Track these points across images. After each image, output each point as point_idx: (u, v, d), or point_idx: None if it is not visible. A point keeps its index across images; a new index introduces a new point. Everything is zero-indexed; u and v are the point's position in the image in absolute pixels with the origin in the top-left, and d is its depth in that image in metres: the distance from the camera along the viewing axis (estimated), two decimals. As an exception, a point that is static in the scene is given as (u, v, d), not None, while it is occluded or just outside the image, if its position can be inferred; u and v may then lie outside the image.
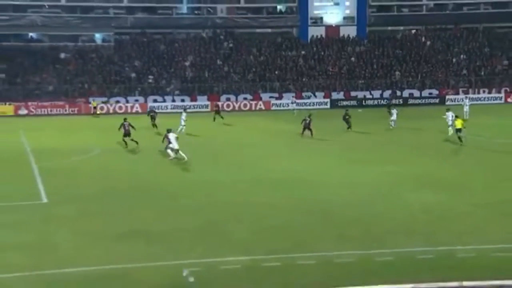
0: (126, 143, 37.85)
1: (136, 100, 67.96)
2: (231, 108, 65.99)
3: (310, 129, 42.80)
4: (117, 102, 67.46)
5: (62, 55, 75.24)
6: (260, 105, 67.14)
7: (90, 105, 65.30)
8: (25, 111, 65.29)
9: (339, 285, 16.11)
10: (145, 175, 31.28)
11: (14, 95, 68.19)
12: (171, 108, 65.15)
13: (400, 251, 19.05)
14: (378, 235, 20.70)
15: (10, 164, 34.39)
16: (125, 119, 38.12)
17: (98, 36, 79.80)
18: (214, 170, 32.13)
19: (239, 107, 66.63)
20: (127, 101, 67.69)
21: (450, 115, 41.80)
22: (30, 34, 78.37)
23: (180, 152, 33.83)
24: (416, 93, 70.68)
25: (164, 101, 68.01)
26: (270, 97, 68.64)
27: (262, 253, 19.02)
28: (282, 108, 65.93)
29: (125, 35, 78.44)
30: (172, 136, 34.12)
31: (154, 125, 47.10)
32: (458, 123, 38.50)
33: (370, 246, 19.56)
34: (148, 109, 50.30)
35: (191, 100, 67.58)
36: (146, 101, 67.13)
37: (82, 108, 66.41)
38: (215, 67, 73.67)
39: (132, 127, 38.00)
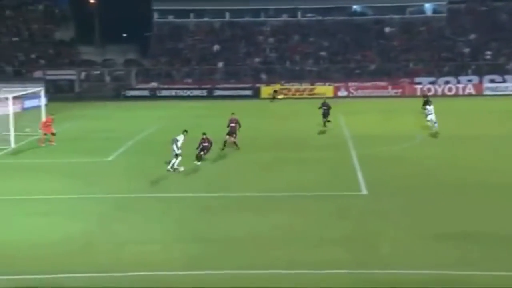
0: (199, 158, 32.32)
1: (469, 81, 66.52)
2: None
3: None
4: (447, 82, 66.85)
5: (387, 30, 76.92)
6: None
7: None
8: (344, 93, 68.39)
9: None
10: (466, 168, 30.68)
11: (334, 75, 71.90)
12: (512, 90, 62.37)
13: None
14: None
15: (330, 150, 36.46)
16: (204, 134, 32.70)
17: (428, 6, 79.70)
18: None
19: None
20: (458, 82, 66.65)
21: None
22: (354, 7, 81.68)
23: (176, 160, 30.19)
24: None
25: (504, 81, 65.29)
26: None
27: None
28: None
29: (460, 3, 77.07)
30: (180, 139, 30.51)
31: (328, 121, 43.10)
32: None
33: None
34: (322, 103, 43.78)
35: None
36: (481, 82, 65.27)
37: (406, 89, 67.25)
38: None
39: (210, 143, 32.49)
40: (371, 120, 47.48)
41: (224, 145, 35.53)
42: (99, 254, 19.34)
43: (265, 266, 18.27)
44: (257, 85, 70.44)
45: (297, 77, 72.77)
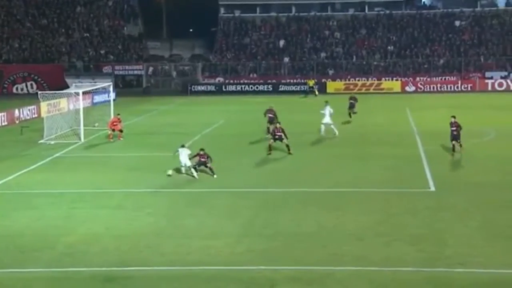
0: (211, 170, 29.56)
1: (544, 76, 64.79)
2: None
3: None
4: (520, 77, 65.38)
5: (457, 23, 75.60)
6: None
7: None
8: (412, 88, 67.54)
9: None
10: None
11: (401, 69, 71.14)
12: None
13: None
14: None
15: (397, 146, 36.05)
16: (202, 149, 29.53)
17: (501, -1, 78.15)
18: None
19: None
20: (532, 77, 65.01)
21: None
22: (423, 0, 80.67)
23: (192, 169, 28.88)
24: None
25: None
26: None
27: None
28: None
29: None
30: (183, 152, 29.20)
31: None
32: None
33: None
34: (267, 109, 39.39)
35: None
36: (555, 76, 63.45)
37: (476, 84, 65.96)
38: None
39: (209, 157, 29.44)
40: (440, 115, 46.62)
41: (270, 150, 34.28)
42: (167, 248, 19.59)
43: (330, 262, 18.20)
44: (323, 80, 70.14)
45: (364, 72, 72.21)
